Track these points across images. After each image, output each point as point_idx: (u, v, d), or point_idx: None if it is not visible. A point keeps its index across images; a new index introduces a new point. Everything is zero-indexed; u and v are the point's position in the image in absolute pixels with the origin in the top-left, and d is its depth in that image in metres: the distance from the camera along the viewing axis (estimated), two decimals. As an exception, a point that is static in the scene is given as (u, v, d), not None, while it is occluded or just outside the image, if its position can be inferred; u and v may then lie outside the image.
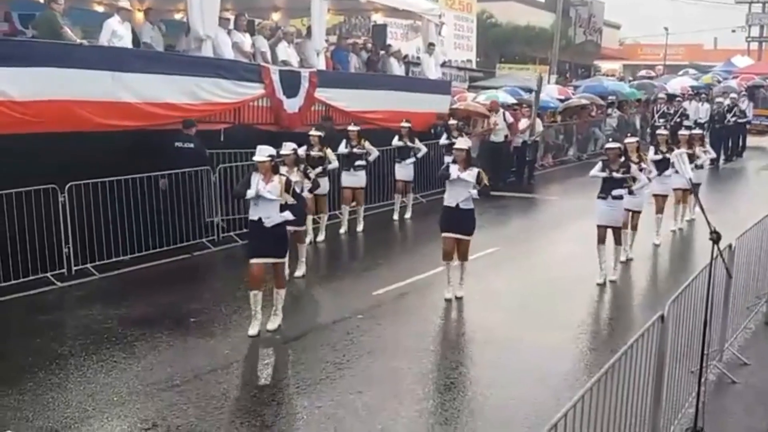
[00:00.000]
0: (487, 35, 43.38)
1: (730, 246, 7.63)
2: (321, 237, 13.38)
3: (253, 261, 8.78)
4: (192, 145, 12.49)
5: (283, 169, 9.40)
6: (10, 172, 10.04)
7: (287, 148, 10.19)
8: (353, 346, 8.62)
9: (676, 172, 13.21)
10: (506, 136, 20.36)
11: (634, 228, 12.19)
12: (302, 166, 10.58)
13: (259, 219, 8.64)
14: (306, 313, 9.87)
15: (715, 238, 6.18)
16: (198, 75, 12.98)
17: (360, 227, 14.36)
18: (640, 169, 11.42)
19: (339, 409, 7.00)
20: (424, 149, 15.59)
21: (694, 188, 7.82)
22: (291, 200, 8.65)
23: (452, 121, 16.87)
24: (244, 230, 13.12)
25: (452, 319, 9.59)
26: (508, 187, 19.79)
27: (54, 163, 10.44)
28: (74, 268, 10.98)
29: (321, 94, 15.56)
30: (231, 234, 13.20)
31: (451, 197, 10.00)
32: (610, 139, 13.63)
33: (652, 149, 13.52)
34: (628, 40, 67.40)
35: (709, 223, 6.21)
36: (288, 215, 8.65)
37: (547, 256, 12.28)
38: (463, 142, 10.37)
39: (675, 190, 13.87)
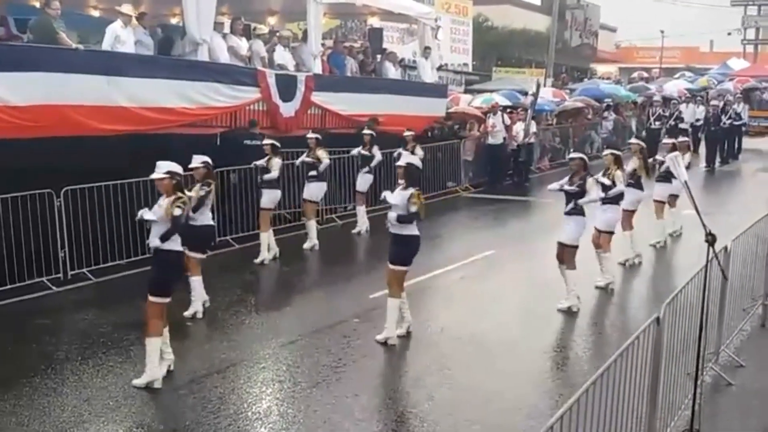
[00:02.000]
0: (483, 39, 43.40)
1: (725, 248, 7.64)
2: (270, 255, 12.42)
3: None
4: (259, 142, 12.81)
5: (197, 186, 8.72)
6: (6, 176, 10.04)
7: (196, 161, 9.21)
8: (349, 350, 8.61)
9: (661, 180, 13.12)
10: (504, 139, 20.44)
11: (605, 250, 11.00)
12: (212, 184, 9.38)
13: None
14: (301, 317, 9.86)
15: (711, 240, 6.18)
16: (194, 79, 12.98)
17: (307, 244, 13.30)
18: (602, 183, 10.63)
19: (335, 413, 6.99)
20: (378, 157, 14.51)
21: (688, 191, 7.69)
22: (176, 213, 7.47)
23: (408, 133, 15.31)
24: (240, 234, 13.25)
25: (448, 322, 9.57)
26: (504, 189, 19.85)
27: (49, 168, 10.42)
28: (70, 273, 10.97)
29: (317, 97, 15.56)
30: (227, 238, 13.21)
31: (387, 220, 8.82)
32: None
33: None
34: (624, 43, 67.53)
35: (704, 225, 6.21)
36: (157, 242, 7.44)
37: (542, 259, 12.23)
38: (404, 158, 9.32)
39: (656, 201, 13.44)
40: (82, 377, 7.74)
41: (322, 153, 13.18)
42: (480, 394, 7.46)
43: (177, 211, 7.45)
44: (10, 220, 10.13)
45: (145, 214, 7.51)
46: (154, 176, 7.60)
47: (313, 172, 13.19)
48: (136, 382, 7.48)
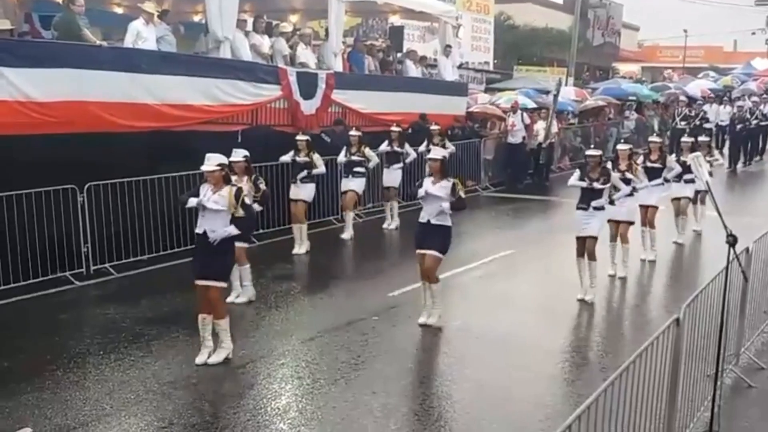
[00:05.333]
0: (504, 37, 43.24)
1: (747, 249, 7.59)
2: (303, 249, 12.77)
3: (198, 283, 8.01)
4: (329, 139, 14.21)
5: (233, 178, 8.54)
6: (30, 171, 10.15)
7: (237, 155, 9.31)
8: (368, 347, 8.64)
9: (677, 180, 13.07)
10: (524, 138, 20.38)
11: (625, 241, 11.43)
12: (253, 176, 9.58)
13: (204, 232, 7.89)
14: (321, 314, 9.90)
15: (732, 241, 6.15)
16: (216, 76, 13.05)
17: (346, 234, 13.90)
18: (627, 179, 10.94)
19: (354, 410, 7.03)
20: (413, 155, 14.92)
21: (710, 192, 7.67)
22: (240, 213, 7.89)
23: (434, 127, 15.81)
24: (261, 231, 13.30)
25: (468, 321, 9.58)
26: (524, 189, 19.80)
27: (73, 164, 10.53)
28: (92, 268, 11.09)
29: (338, 95, 15.61)
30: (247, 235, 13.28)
31: (424, 212, 9.20)
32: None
33: (641, 158, 12.57)
34: (647, 42, 67.02)
35: (725, 225, 6.18)
36: (233, 230, 7.90)
37: (562, 259, 12.21)
38: (437, 152, 9.53)
39: (673, 200, 13.42)
40: (104, 371, 7.82)
41: (369, 151, 13.72)
42: (498, 393, 7.47)
43: (248, 200, 8.14)
44: (34, 215, 10.24)
45: (208, 203, 7.81)
46: (205, 168, 7.87)
47: (360, 168, 13.74)
48: (213, 359, 7.98)
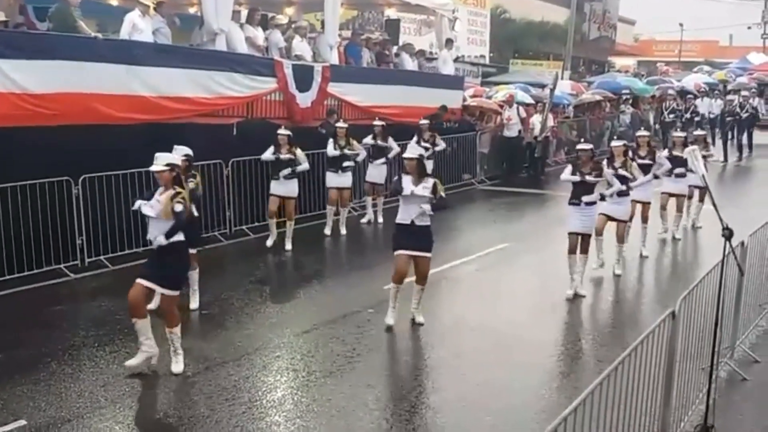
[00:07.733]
0: (500, 30, 43.25)
1: (742, 243, 7.61)
2: (289, 245, 12.50)
3: (137, 281, 7.47)
4: (324, 131, 14.30)
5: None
6: (25, 164, 10.13)
7: (178, 153, 8.48)
8: (363, 340, 8.64)
9: (668, 175, 13.04)
10: (520, 131, 20.40)
11: (621, 240, 11.40)
12: (197, 176, 9.09)
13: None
14: (316, 307, 9.90)
15: (728, 234, 6.16)
16: (212, 69, 13.03)
17: (343, 230, 13.79)
18: (622, 176, 10.81)
19: (349, 402, 7.03)
20: (396, 149, 14.12)
21: (706, 186, 7.66)
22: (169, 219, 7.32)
23: (423, 121, 15.28)
24: (256, 224, 13.31)
25: (463, 314, 9.59)
26: (519, 182, 19.83)
27: (68, 155, 10.49)
28: (87, 260, 11.08)
29: (334, 88, 15.58)
30: (243, 227, 13.29)
31: (405, 214, 8.81)
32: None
33: (630, 153, 12.08)
34: (643, 36, 67.05)
35: (721, 219, 6.19)
36: (161, 240, 7.32)
37: (557, 253, 12.24)
38: (412, 150, 9.24)
39: (663, 194, 13.23)
40: (98, 363, 7.81)
41: (357, 144, 13.56)
42: (492, 387, 7.47)
43: (178, 207, 7.28)
44: (29, 207, 10.23)
45: (144, 208, 7.36)
46: (153, 168, 7.41)
47: (349, 163, 13.52)
48: (174, 369, 7.53)
